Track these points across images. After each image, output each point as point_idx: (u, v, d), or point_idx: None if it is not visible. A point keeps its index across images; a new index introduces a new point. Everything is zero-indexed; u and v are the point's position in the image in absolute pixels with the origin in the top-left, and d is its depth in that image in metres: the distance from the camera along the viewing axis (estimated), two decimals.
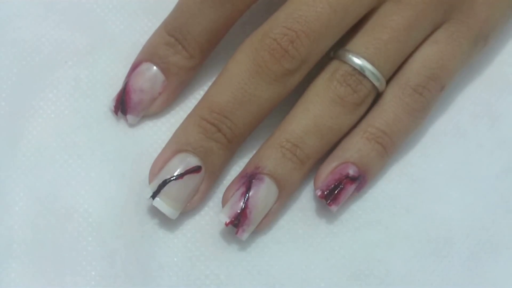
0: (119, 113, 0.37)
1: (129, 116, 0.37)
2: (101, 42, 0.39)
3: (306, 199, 0.37)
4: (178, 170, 0.34)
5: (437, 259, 0.36)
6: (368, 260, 0.36)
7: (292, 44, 0.34)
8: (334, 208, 0.35)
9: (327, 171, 0.36)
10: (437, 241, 0.36)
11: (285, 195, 0.35)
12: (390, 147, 0.36)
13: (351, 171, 0.35)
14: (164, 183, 0.34)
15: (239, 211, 0.34)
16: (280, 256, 0.36)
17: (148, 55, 0.37)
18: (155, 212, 0.36)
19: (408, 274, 0.36)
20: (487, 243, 0.36)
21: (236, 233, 0.35)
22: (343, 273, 0.35)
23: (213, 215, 0.36)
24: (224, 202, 0.35)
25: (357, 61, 0.35)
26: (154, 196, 0.34)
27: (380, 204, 0.37)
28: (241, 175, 0.35)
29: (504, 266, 0.36)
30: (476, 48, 0.38)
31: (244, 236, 0.35)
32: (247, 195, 0.34)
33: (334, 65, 0.36)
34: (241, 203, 0.34)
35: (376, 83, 0.36)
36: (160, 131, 0.37)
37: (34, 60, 0.38)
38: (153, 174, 0.35)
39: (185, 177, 0.34)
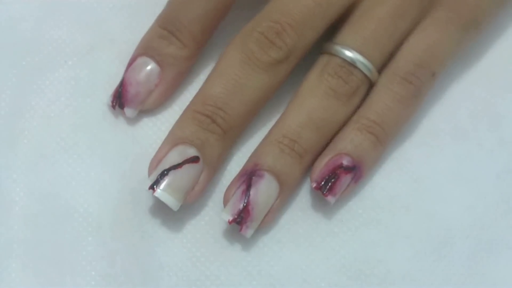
0: (117, 107, 0.37)
1: (126, 109, 0.37)
2: (101, 42, 0.39)
3: (306, 199, 0.37)
4: (177, 161, 0.34)
5: (437, 259, 0.36)
6: (368, 260, 0.36)
7: (278, 36, 0.35)
8: (331, 199, 0.35)
9: (322, 164, 0.36)
10: (437, 241, 0.36)
11: (286, 190, 0.35)
12: (382, 137, 0.36)
13: (345, 162, 0.35)
14: (163, 173, 0.34)
15: (241, 208, 0.34)
16: (280, 256, 0.36)
17: (143, 49, 0.37)
18: (155, 212, 0.36)
19: (408, 274, 0.36)
20: (487, 243, 0.36)
21: (240, 230, 0.34)
22: (343, 273, 0.35)
23: (213, 215, 0.36)
24: (226, 201, 0.35)
25: (346, 52, 0.36)
26: (153, 186, 0.34)
27: (380, 203, 0.37)
28: (241, 174, 0.35)
29: (504, 266, 0.36)
30: (467, 34, 0.38)
31: (249, 232, 0.35)
32: (248, 192, 0.34)
33: (324, 59, 0.36)
34: (243, 200, 0.34)
35: (367, 73, 0.36)
36: (159, 131, 0.37)
37: (34, 60, 0.38)
38: (152, 168, 0.35)
39: (184, 166, 0.34)
